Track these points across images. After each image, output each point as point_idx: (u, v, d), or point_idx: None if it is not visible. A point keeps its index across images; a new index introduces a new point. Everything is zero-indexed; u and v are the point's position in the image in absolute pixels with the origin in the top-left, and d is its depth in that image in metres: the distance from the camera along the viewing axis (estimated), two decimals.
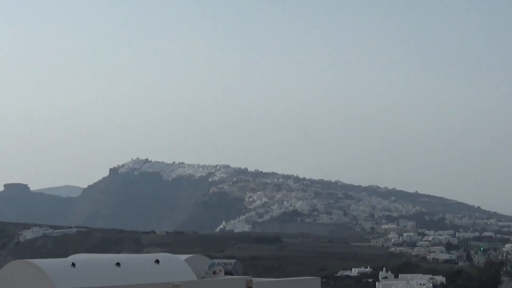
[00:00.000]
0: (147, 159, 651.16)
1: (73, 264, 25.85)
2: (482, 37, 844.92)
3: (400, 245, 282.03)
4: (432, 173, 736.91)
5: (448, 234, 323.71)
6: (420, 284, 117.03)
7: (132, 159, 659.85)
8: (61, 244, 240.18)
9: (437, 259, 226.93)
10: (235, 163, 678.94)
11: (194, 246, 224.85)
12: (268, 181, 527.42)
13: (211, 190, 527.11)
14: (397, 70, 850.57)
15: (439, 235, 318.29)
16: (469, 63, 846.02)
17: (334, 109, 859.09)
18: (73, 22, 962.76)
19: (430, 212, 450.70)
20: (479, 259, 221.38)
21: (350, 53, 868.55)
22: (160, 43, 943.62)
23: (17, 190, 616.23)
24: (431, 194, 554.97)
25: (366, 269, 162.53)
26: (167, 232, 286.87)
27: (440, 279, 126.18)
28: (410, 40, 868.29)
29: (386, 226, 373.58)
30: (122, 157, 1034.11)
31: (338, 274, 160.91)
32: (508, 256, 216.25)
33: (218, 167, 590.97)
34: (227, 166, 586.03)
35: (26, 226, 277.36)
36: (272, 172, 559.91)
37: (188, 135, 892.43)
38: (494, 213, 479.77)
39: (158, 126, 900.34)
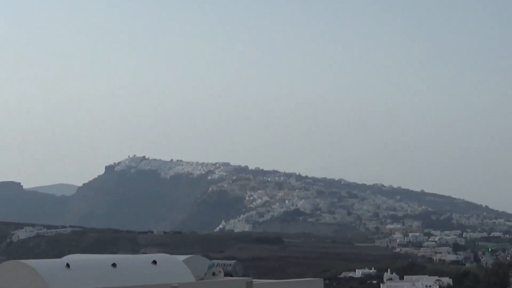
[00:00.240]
0: (144, 156, 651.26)
1: (68, 265, 25.86)
2: (491, 30, 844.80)
3: (406, 245, 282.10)
4: (438, 171, 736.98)
5: (455, 235, 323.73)
6: (426, 286, 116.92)
7: (128, 156, 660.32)
8: (55, 244, 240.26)
9: (444, 260, 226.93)
10: (235, 161, 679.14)
11: (193, 247, 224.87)
12: (269, 179, 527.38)
13: (210, 189, 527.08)
14: (403, 68, 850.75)
15: (446, 235, 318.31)
16: (475, 59, 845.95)
17: (337, 105, 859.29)
18: (67, 17, 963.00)
19: (437, 212, 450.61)
20: (487, 260, 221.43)
21: (353, 49, 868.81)
22: (157, 39, 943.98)
23: (9, 189, 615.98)
24: (437, 193, 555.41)
25: (370, 271, 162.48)
26: (164, 232, 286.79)
27: (446, 280, 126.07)
28: (414, 37, 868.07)
29: (391, 226, 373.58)
30: (118, 155, 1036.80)
31: (341, 276, 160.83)
32: None
33: (217, 165, 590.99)
34: (227, 164, 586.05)
35: (19, 226, 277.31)
36: (273, 170, 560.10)
37: (187, 131, 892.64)
38: (503, 212, 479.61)
39: (156, 122, 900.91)
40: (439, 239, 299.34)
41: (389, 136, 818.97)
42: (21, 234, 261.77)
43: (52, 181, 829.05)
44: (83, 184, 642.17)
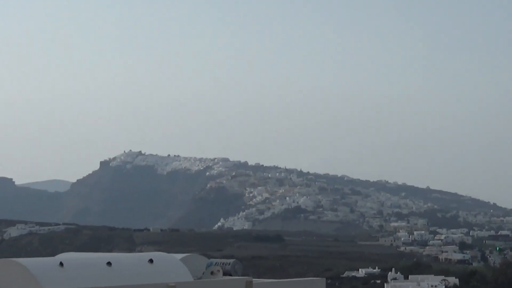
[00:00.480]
0: (140, 151, 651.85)
1: (61, 264, 25.83)
2: (504, 20, 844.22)
3: (411, 244, 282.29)
4: (445, 168, 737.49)
5: (461, 233, 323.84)
6: (432, 286, 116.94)
7: (124, 151, 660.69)
8: (48, 242, 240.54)
9: (450, 259, 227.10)
10: (234, 156, 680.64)
11: (191, 245, 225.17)
12: (269, 175, 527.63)
13: (208, 185, 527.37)
14: (408, 62, 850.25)
15: (452, 233, 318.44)
16: (483, 54, 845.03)
17: (340, 99, 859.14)
18: (61, 11, 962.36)
19: (443, 209, 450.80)
20: (494, 260, 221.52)
21: (356, 42, 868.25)
22: (153, 32, 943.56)
23: (1, 185, 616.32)
24: (443, 189, 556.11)
25: (374, 270, 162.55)
26: (161, 230, 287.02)
27: (453, 280, 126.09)
28: (419, 32, 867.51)
29: (395, 224, 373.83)
30: (113, 150, 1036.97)
31: (344, 275, 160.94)
32: None
33: (216, 160, 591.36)
34: (226, 160, 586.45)
35: (11, 223, 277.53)
36: (274, 165, 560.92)
37: (184, 126, 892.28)
38: (511, 210, 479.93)
39: (152, 116, 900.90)
40: (445, 237, 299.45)
41: (393, 131, 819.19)
42: (13, 232, 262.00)
43: (45, 177, 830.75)
44: (77, 180, 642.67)
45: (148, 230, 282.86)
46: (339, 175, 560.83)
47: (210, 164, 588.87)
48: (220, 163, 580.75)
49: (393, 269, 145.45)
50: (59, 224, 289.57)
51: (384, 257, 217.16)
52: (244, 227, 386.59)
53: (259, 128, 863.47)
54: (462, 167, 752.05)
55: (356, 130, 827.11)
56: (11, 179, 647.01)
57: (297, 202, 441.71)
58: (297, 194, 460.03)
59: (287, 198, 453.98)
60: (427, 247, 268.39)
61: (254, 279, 29.36)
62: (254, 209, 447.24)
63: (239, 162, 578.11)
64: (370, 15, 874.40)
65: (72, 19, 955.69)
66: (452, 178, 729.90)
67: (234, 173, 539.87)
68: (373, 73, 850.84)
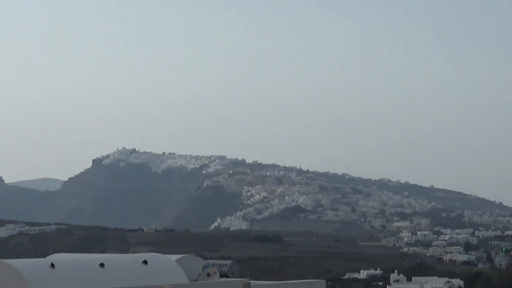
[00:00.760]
0: (134, 149, 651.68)
1: (52, 265, 25.85)
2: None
3: (414, 244, 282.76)
4: (449, 166, 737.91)
5: (466, 233, 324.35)
6: None
7: (117, 149, 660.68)
8: (39, 243, 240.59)
9: (455, 261, 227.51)
10: (231, 154, 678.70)
11: (186, 246, 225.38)
12: (268, 173, 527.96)
13: (204, 184, 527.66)
14: (412, 58, 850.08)
15: (457, 234, 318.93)
16: (487, 53, 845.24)
17: (340, 96, 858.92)
18: (50, 9, 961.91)
19: (447, 209, 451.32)
20: (500, 261, 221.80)
21: (357, 40, 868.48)
22: (147, 29, 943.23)
23: None
24: (448, 188, 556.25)
25: (376, 271, 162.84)
26: (156, 230, 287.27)
27: (457, 282, 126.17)
28: (419, 29, 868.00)
29: (398, 224, 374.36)
30: (106, 147, 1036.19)
31: (345, 277, 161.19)
32: None
33: (212, 158, 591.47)
34: (223, 157, 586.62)
35: (0, 223, 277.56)
36: (273, 163, 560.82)
37: (180, 122, 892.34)
38: None
39: (146, 113, 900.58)
40: (449, 238, 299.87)
41: (396, 128, 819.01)
42: (2, 232, 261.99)
43: (36, 175, 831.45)
44: (69, 179, 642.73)
45: (142, 230, 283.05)
46: (339, 174, 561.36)
47: (206, 162, 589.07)
48: (217, 161, 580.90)
49: (396, 270, 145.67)
50: (50, 224, 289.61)
51: (386, 258, 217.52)
52: (242, 227, 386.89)
53: (257, 125, 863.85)
54: (467, 165, 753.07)
55: (358, 127, 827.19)
56: (1, 177, 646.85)
57: (297, 201, 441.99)
58: (297, 193, 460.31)
59: (286, 197, 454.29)
60: (431, 247, 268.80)
61: (252, 281, 29.39)
62: (252, 208, 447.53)
63: (237, 160, 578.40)
64: (372, 13, 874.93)
65: (62, 16, 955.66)
66: (457, 177, 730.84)
67: (231, 171, 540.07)
68: (375, 69, 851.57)
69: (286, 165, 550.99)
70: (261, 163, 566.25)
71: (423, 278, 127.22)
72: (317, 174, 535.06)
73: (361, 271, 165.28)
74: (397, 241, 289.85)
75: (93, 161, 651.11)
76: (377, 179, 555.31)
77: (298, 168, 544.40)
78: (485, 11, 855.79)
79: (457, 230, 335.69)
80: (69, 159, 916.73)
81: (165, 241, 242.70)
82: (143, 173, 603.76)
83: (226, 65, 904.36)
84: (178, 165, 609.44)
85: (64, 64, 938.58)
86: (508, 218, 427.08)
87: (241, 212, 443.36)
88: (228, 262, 31.28)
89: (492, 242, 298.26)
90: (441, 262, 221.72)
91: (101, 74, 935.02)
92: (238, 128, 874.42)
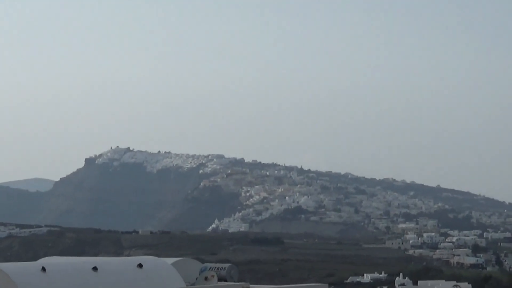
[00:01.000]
0: (129, 148, 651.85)
1: (43, 269, 25.86)
2: None
3: (420, 247, 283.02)
4: (456, 165, 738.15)
5: (474, 235, 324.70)
6: None
7: (111, 148, 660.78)
8: (30, 246, 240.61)
9: (462, 264, 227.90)
10: (229, 153, 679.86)
11: (183, 249, 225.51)
12: (267, 173, 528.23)
13: (202, 184, 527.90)
14: (420, 56, 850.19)
15: (465, 235, 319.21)
16: (493, 52, 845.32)
17: (343, 92, 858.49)
18: (43, 6, 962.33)
19: (454, 209, 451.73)
20: (510, 264, 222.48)
21: (358, 39, 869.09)
22: (141, 24, 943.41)
23: None
24: (455, 188, 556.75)
25: (381, 275, 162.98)
26: (151, 232, 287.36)
27: (465, 286, 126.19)
28: (419, 28, 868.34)
29: (403, 226, 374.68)
30: (99, 146, 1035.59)
31: (348, 281, 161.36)
32: None
33: (210, 157, 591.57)
34: (221, 156, 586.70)
35: None
36: (273, 163, 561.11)
37: (176, 120, 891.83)
38: None
39: (141, 110, 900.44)
40: (457, 240, 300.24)
41: (401, 126, 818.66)
42: None
43: (26, 175, 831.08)
44: (60, 179, 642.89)
45: (137, 232, 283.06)
46: (342, 173, 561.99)
47: (203, 161, 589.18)
48: (215, 160, 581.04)
49: (401, 274, 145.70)
50: (41, 226, 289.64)
51: (391, 261, 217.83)
52: (241, 229, 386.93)
53: (256, 122, 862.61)
54: (475, 164, 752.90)
55: (361, 125, 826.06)
56: None
57: (298, 202, 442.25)
58: (298, 194, 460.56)
59: (287, 197, 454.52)
60: (438, 250, 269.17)
61: (251, 285, 29.45)
62: (251, 209, 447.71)
63: (235, 159, 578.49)
64: (380, 10, 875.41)
65: (55, 14, 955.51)
66: (465, 176, 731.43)
67: (229, 171, 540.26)
68: (379, 66, 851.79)
69: (287, 164, 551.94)
70: (260, 162, 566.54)
71: (429, 282, 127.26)
72: (319, 174, 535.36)
73: (365, 274, 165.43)
74: (402, 243, 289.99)
75: (86, 160, 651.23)
76: (381, 178, 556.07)
77: (299, 167, 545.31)
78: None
79: (465, 232, 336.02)
80: (60, 159, 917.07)
81: (160, 243, 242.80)
82: (137, 173, 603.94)
83: (224, 60, 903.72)
84: (174, 165, 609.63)
85: (55, 61, 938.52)
86: None
87: (240, 214, 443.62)
88: (227, 265, 31.33)
89: (501, 244, 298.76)
90: (448, 265, 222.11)
91: (93, 70, 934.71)
92: (236, 126, 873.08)
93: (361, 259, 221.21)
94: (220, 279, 30.49)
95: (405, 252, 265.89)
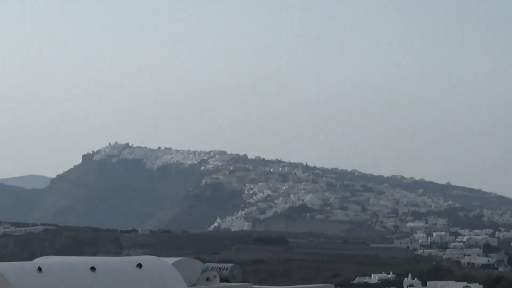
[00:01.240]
0: (128, 143, 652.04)
1: (40, 269, 25.89)
2: None
3: (429, 246, 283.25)
4: (467, 162, 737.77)
5: (486, 234, 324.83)
6: None
7: (109, 143, 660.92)
8: (25, 245, 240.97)
9: (473, 264, 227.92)
10: (232, 149, 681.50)
11: (184, 248, 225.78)
12: (271, 170, 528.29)
13: (203, 181, 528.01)
14: (431, 52, 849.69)
15: (476, 235, 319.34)
16: (502, 51, 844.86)
17: (349, 86, 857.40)
18: (39, 3, 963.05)
19: (465, 208, 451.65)
20: None
21: (368, 32, 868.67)
22: (139, 21, 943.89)
23: None
24: (466, 186, 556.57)
25: (388, 275, 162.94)
26: (151, 231, 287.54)
27: (476, 287, 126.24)
28: (420, 27, 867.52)
29: (412, 224, 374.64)
30: (97, 142, 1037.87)
31: (355, 281, 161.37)
32: None
33: (212, 153, 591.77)
34: (223, 153, 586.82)
35: None
36: (277, 159, 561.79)
37: (176, 115, 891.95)
38: None
39: (140, 105, 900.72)
40: (467, 239, 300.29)
41: (409, 121, 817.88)
42: None
43: (22, 172, 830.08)
44: (57, 176, 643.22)
45: (137, 231, 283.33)
46: (349, 170, 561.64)
47: (205, 158, 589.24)
48: (217, 156, 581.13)
49: (410, 274, 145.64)
50: (37, 225, 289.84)
51: (400, 261, 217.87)
52: (243, 228, 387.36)
53: (259, 118, 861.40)
54: (486, 161, 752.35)
55: (368, 120, 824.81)
56: None
57: (303, 200, 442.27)
58: (303, 191, 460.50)
59: (291, 195, 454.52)
60: (448, 250, 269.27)
61: (254, 286, 29.48)
62: (254, 207, 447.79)
63: (238, 155, 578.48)
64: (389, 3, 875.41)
65: (52, 10, 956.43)
66: (476, 173, 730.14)
67: (232, 168, 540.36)
68: (389, 61, 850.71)
69: (291, 161, 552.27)
70: (264, 159, 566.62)
71: (439, 283, 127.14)
72: (324, 171, 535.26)
73: (372, 275, 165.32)
74: (411, 243, 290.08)
75: (83, 156, 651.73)
76: (389, 175, 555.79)
77: (304, 164, 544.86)
78: None
79: (476, 231, 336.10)
80: (57, 155, 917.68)
81: (161, 243, 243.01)
82: (137, 170, 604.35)
83: (226, 55, 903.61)
84: (175, 161, 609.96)
85: (52, 58, 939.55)
86: None
87: (243, 212, 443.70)
88: (229, 265, 31.37)
89: None
90: (459, 266, 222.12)
91: (92, 66, 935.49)
92: (239, 121, 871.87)
93: (369, 259, 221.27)
94: (223, 279, 30.53)
95: (414, 252, 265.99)
